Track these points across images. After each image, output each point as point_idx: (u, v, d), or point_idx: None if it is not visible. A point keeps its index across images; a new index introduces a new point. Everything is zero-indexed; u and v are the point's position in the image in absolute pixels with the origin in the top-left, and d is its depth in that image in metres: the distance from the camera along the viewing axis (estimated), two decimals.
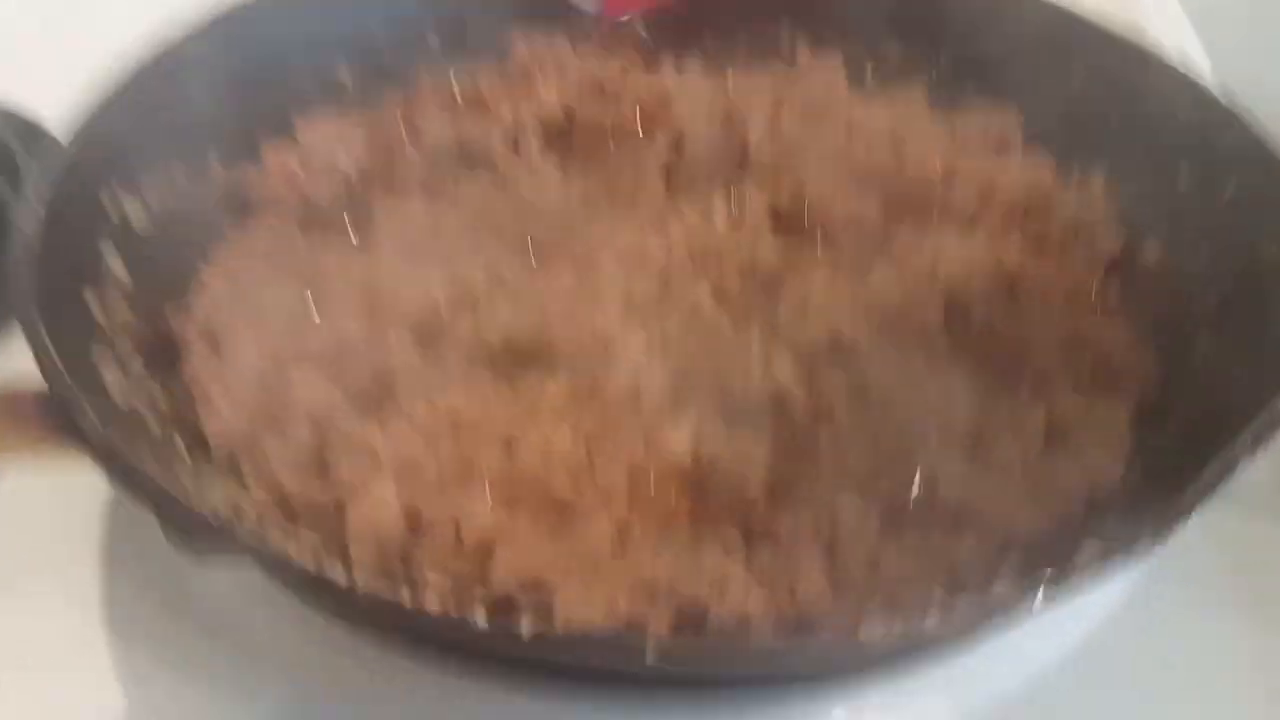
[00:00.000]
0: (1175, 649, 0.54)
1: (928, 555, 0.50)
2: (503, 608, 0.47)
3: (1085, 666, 0.52)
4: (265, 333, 0.57)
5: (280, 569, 0.40)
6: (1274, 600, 0.56)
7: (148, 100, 0.63)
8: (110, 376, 0.52)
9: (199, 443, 0.53)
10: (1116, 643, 0.53)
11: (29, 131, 0.81)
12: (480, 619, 0.38)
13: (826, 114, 0.77)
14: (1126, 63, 0.73)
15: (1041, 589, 0.39)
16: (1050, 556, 0.47)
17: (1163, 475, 0.51)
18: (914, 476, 0.52)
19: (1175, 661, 0.53)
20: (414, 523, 0.49)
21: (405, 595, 0.38)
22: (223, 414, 0.53)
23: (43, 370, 0.46)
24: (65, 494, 0.57)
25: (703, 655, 0.37)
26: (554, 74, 0.78)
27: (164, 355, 0.57)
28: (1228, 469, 0.43)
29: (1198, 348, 0.59)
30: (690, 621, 0.47)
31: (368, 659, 0.51)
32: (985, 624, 0.39)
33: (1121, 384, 0.58)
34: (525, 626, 0.37)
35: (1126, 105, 0.72)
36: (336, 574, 0.39)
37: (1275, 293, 0.56)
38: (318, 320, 0.58)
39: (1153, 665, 0.53)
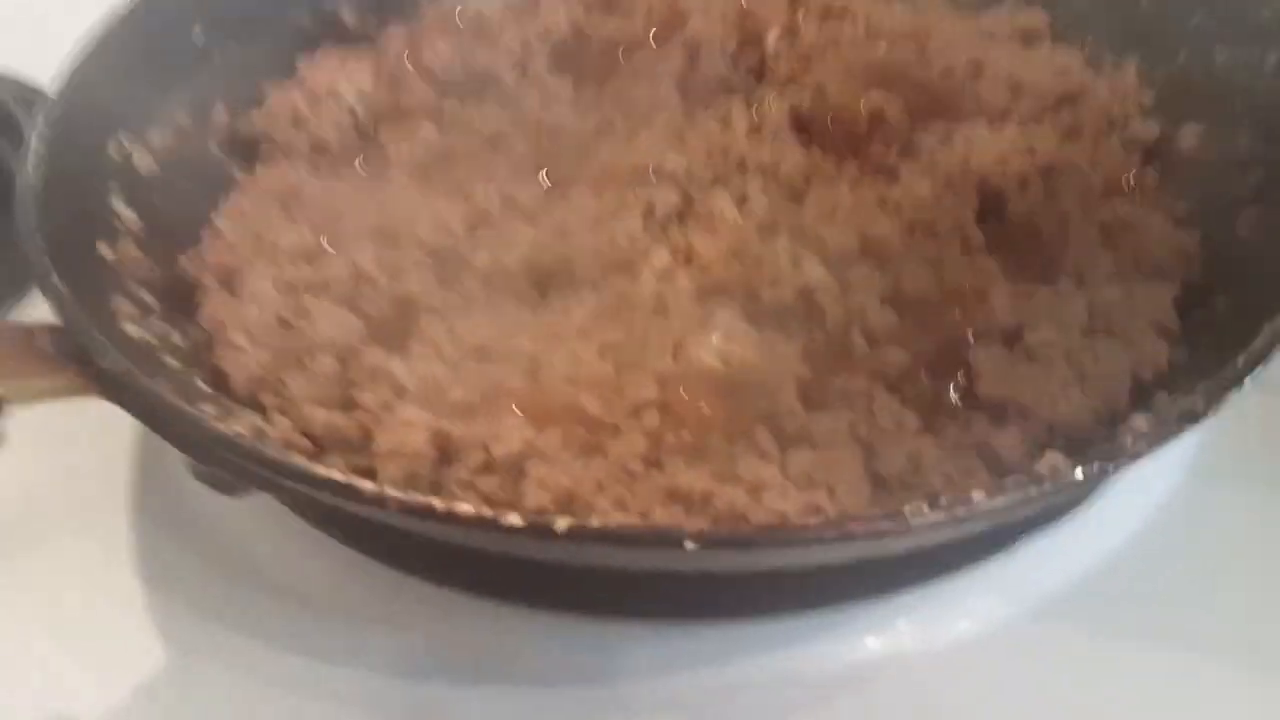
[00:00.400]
0: (1228, 532, 0.52)
1: (970, 450, 0.48)
2: None
3: (1139, 557, 0.51)
4: (281, 269, 0.56)
5: (311, 487, 0.39)
6: None
7: (142, 45, 0.62)
8: (128, 321, 0.51)
9: (220, 384, 0.52)
10: (1171, 529, 0.52)
11: (33, 97, 0.80)
12: (515, 518, 0.36)
13: (845, 15, 0.74)
14: None
15: (1096, 462, 0.37)
16: (1091, 450, 0.46)
17: (1211, 355, 0.50)
18: (953, 372, 0.51)
19: (1230, 543, 0.51)
20: (443, 446, 0.48)
21: (438, 502, 0.37)
22: (243, 351, 0.52)
23: (55, 306, 0.45)
24: (92, 444, 0.57)
25: (742, 540, 0.36)
26: None
27: (180, 299, 0.56)
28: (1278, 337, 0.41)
29: (1239, 228, 0.56)
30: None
31: (398, 590, 0.51)
32: (1038, 501, 0.37)
33: (1163, 269, 0.56)
34: (560, 522, 0.36)
35: None
36: (368, 486, 0.38)
37: None
38: (333, 254, 0.56)
39: (1208, 549, 0.51)
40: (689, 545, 0.35)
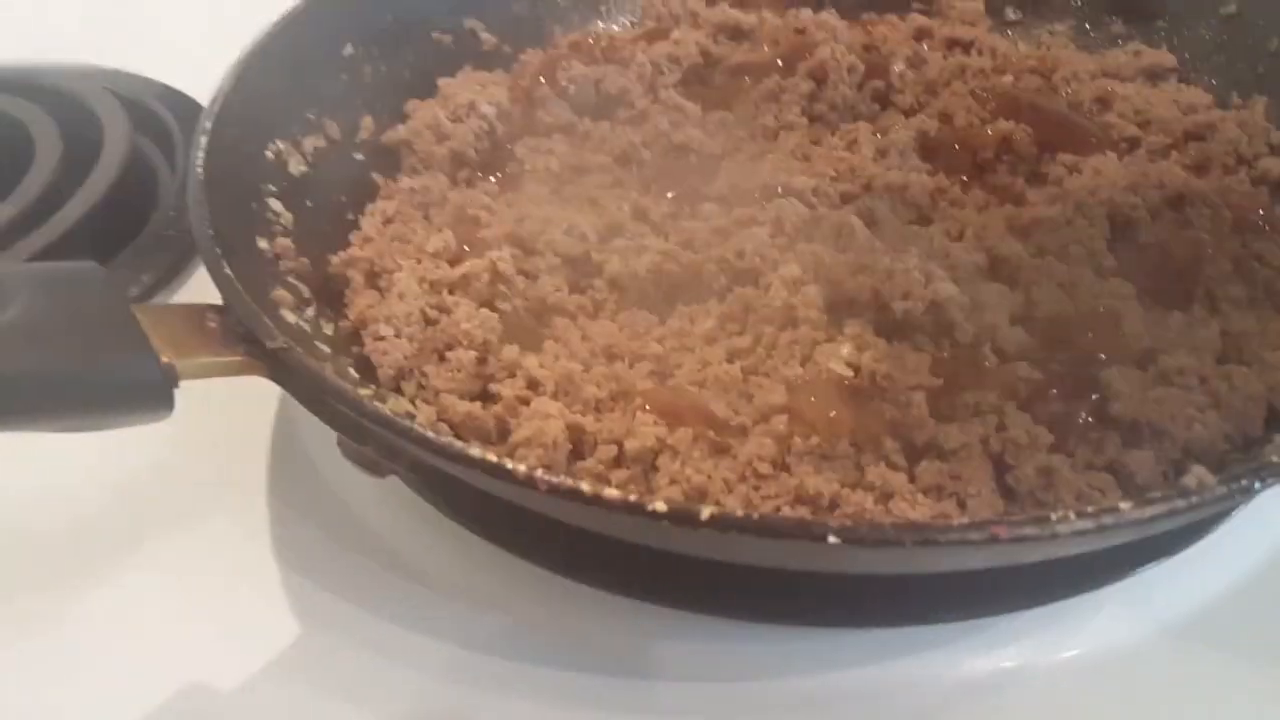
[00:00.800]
0: None
1: (1102, 469, 0.48)
2: None
3: (1265, 583, 0.50)
4: (425, 269, 0.58)
5: (466, 467, 0.40)
6: None
7: (297, 57, 0.65)
8: (286, 309, 0.54)
9: (367, 372, 0.55)
10: None
11: (185, 106, 0.85)
12: (660, 504, 0.37)
13: (970, 47, 0.75)
14: None
15: (1243, 478, 0.37)
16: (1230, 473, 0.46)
17: None
18: (1085, 393, 0.51)
19: None
20: (576, 439, 0.50)
21: (586, 486, 0.38)
22: (389, 342, 0.55)
23: (225, 292, 0.48)
24: (233, 426, 0.60)
25: (885, 539, 0.36)
26: (689, 21, 0.79)
27: (331, 294, 0.59)
28: None
29: None
30: None
31: (521, 578, 0.52)
32: (1184, 513, 0.37)
33: None
34: (704, 511, 0.37)
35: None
36: (520, 468, 0.40)
37: None
38: (473, 258, 0.58)
39: None
40: (832, 540, 0.36)
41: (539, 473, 0.39)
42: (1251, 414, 0.49)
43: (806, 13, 0.78)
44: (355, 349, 0.56)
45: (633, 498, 0.38)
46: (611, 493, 0.38)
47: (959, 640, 0.50)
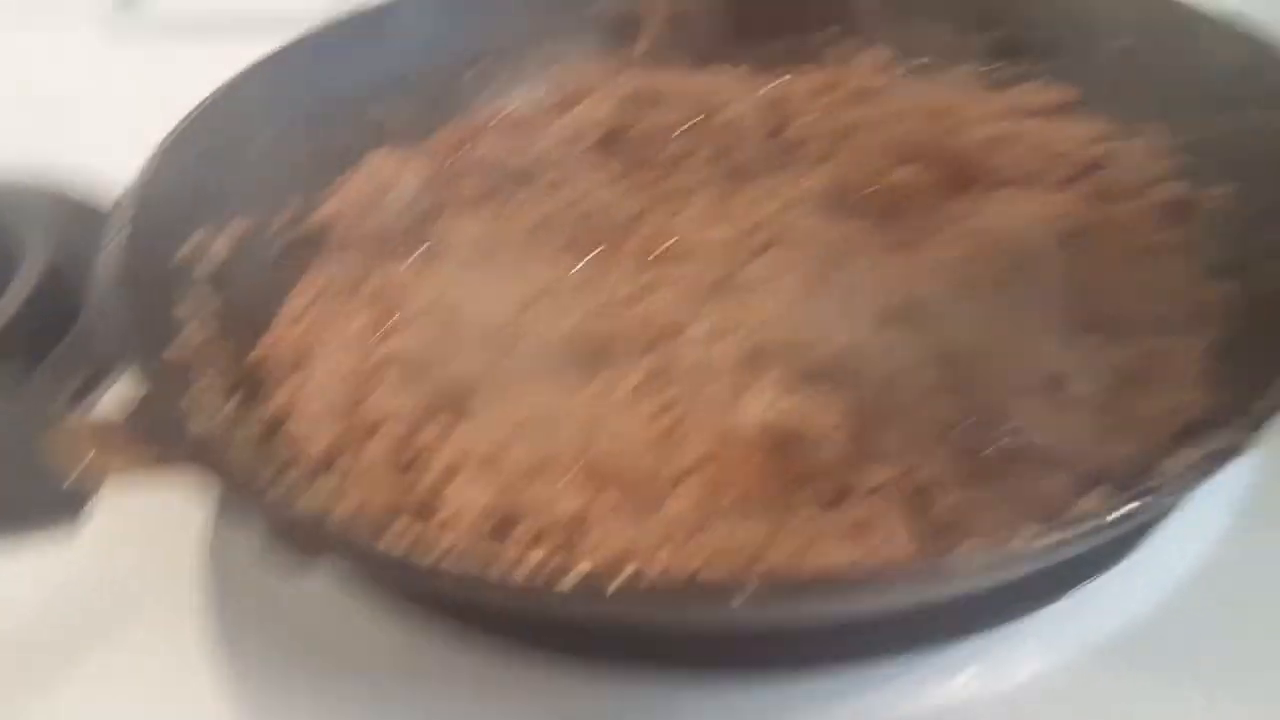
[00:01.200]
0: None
1: (1018, 499, 0.49)
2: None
3: (1194, 600, 0.51)
4: (348, 351, 0.59)
5: (371, 560, 0.41)
6: None
7: (214, 144, 0.66)
8: (207, 398, 0.54)
9: (291, 460, 0.55)
10: (1224, 572, 0.52)
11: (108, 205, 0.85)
12: (566, 583, 0.38)
13: (876, 98, 0.78)
14: (1170, 18, 0.73)
15: (1129, 502, 0.38)
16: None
17: (1250, 402, 0.50)
18: (997, 424, 0.52)
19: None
20: (501, 513, 0.50)
21: (492, 571, 0.39)
22: (312, 427, 0.55)
23: (143, 387, 0.48)
24: (162, 528, 0.59)
25: (791, 594, 0.37)
26: (599, 90, 0.81)
27: (254, 383, 0.59)
28: None
29: (1272, 280, 0.57)
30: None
31: (483, 660, 0.52)
32: (1077, 541, 0.38)
33: (1198, 320, 0.57)
34: (610, 584, 0.38)
35: (1174, 59, 0.72)
36: (430, 554, 0.40)
37: None
38: (396, 335, 0.59)
39: (1262, 590, 0.51)
40: (737, 601, 0.37)
41: (444, 563, 0.40)
42: (1156, 435, 0.50)
43: (711, 73, 0.80)
44: (279, 434, 0.56)
45: (537, 580, 0.39)
46: (516, 577, 0.39)
47: (897, 680, 0.50)
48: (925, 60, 0.84)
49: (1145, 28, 0.74)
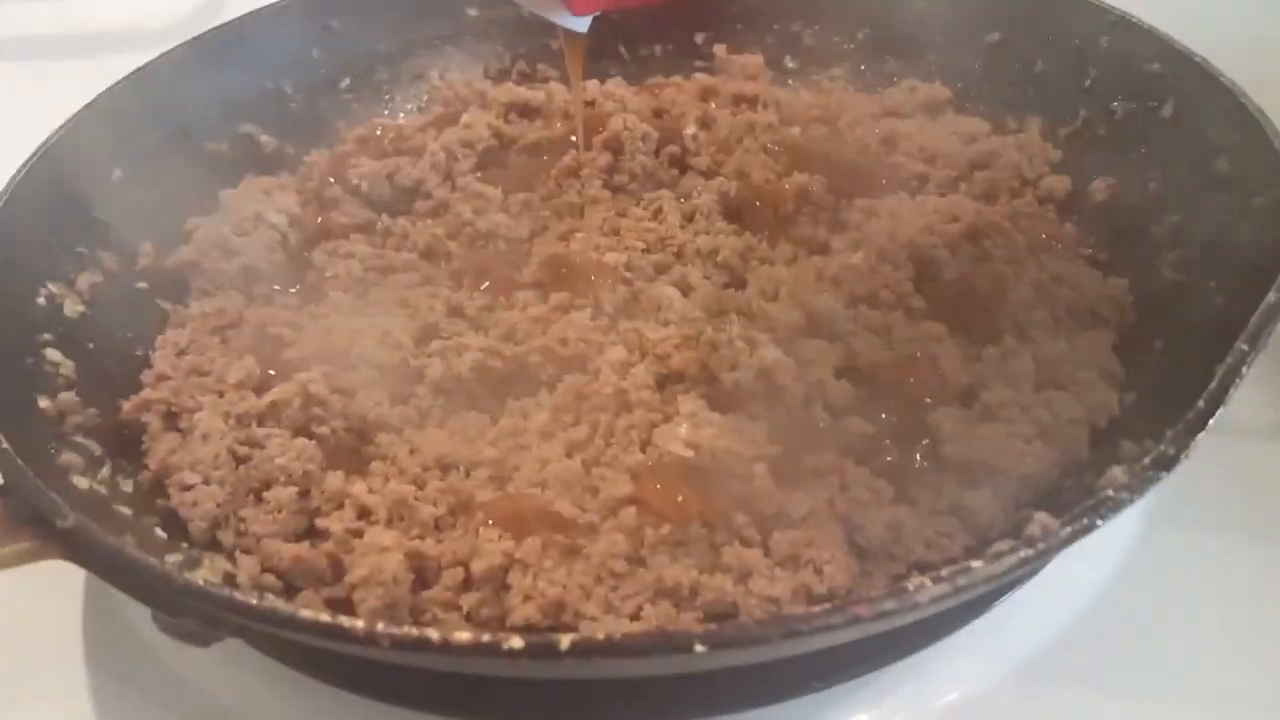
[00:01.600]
0: (1191, 576, 0.53)
1: (946, 513, 0.49)
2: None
3: (1108, 608, 0.52)
4: (227, 405, 0.54)
5: (296, 631, 0.37)
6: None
7: (58, 192, 0.60)
8: (76, 474, 0.49)
9: (177, 528, 0.50)
10: (1136, 578, 0.53)
11: None
12: (515, 642, 0.35)
13: (755, 102, 0.77)
14: (1040, 8, 0.74)
15: (1084, 518, 0.38)
16: (1066, 501, 0.47)
17: (1158, 398, 0.51)
18: (917, 439, 0.51)
19: (1192, 587, 0.52)
20: (419, 566, 0.47)
21: (434, 634, 0.36)
22: (197, 491, 0.50)
23: (2, 469, 0.43)
24: (41, 604, 0.54)
25: (752, 639, 0.35)
26: (477, 103, 0.77)
27: (126, 444, 0.54)
28: (1235, 373, 0.42)
29: (1164, 271, 0.58)
30: (721, 619, 0.46)
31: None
32: (1037, 560, 0.37)
33: (1098, 318, 0.58)
34: (563, 641, 0.35)
35: (1047, 48, 0.73)
36: (354, 624, 0.37)
37: (1232, 202, 0.56)
38: (281, 381, 0.55)
39: (1172, 594, 0.52)
40: (699, 649, 0.35)
41: (379, 627, 0.36)
42: (1076, 438, 0.51)
43: (594, 84, 0.77)
44: (161, 502, 0.51)
45: (486, 638, 0.36)
46: (461, 638, 0.36)
47: (833, 708, 0.49)
48: (796, 65, 0.85)
49: (1014, 19, 0.75)
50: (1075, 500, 0.46)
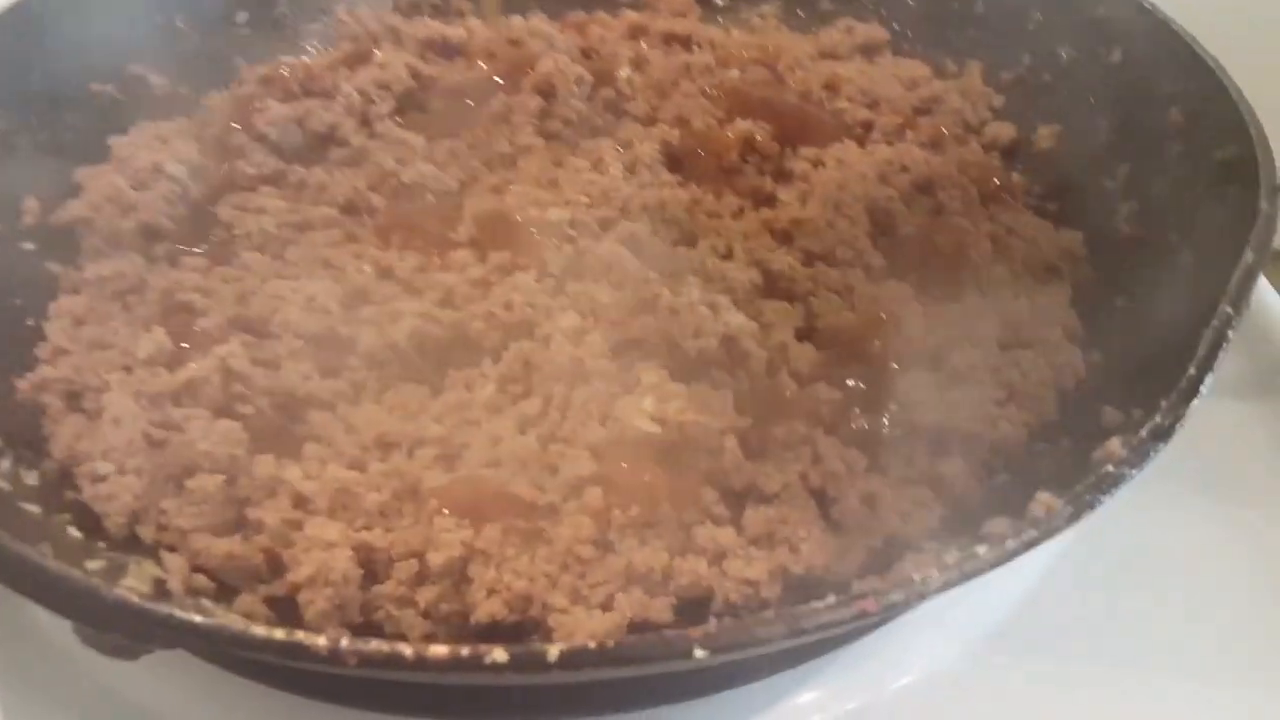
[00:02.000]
0: (1144, 535, 0.53)
1: (920, 483, 0.47)
2: (489, 636, 0.42)
3: (1057, 584, 0.51)
4: (138, 383, 0.49)
5: (250, 650, 0.33)
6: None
7: None
8: None
9: (92, 524, 0.45)
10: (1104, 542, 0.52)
11: None
12: (499, 654, 0.32)
13: (689, 42, 0.73)
14: None
15: (1090, 494, 0.37)
16: (1037, 469, 0.46)
17: (1126, 359, 0.50)
18: (885, 405, 0.49)
19: (1142, 555, 0.52)
20: (368, 561, 0.43)
21: (407, 649, 0.32)
22: (110, 483, 0.45)
23: None
24: None
25: (751, 640, 0.33)
26: (389, 40, 0.72)
27: (26, 430, 0.48)
28: (1222, 337, 0.41)
29: (1120, 224, 0.57)
30: (696, 604, 0.43)
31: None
32: (1042, 539, 0.36)
33: (1055, 271, 0.57)
34: (551, 650, 0.32)
35: None
36: (316, 641, 0.33)
37: (1190, 153, 0.55)
38: (196, 357, 0.50)
39: (1121, 564, 0.52)
40: (699, 654, 0.32)
41: (344, 644, 0.33)
42: (1045, 398, 0.50)
43: (517, 19, 0.72)
44: (71, 495, 0.46)
45: (466, 651, 0.33)
46: (439, 651, 0.33)
47: (796, 690, 0.48)
48: (725, 1, 0.81)
49: None
50: (1051, 468, 0.45)
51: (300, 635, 0.33)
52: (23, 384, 0.49)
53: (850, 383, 0.50)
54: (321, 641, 0.33)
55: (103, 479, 0.46)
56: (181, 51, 0.69)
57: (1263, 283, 0.59)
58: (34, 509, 0.43)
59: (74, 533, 0.43)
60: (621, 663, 0.33)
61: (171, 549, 0.44)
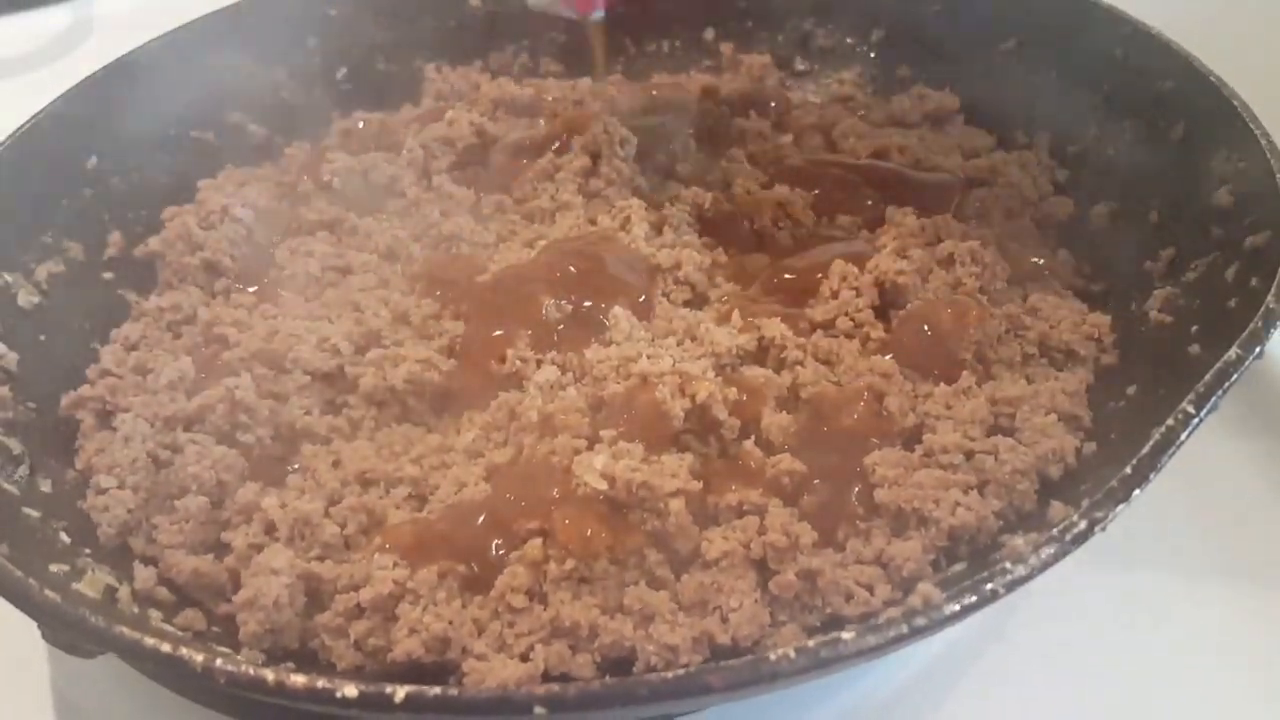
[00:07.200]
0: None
1: (871, 563, 0.45)
2: (410, 675, 0.43)
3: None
4: (157, 406, 0.53)
5: (136, 658, 0.36)
6: None
7: (25, 176, 0.60)
8: None
9: (86, 532, 0.49)
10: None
11: None
12: (348, 689, 0.34)
13: (754, 106, 0.74)
14: (1059, 14, 0.69)
15: (965, 596, 0.35)
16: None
17: (1113, 452, 0.47)
18: (851, 480, 0.48)
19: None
20: (313, 590, 0.46)
21: (270, 674, 0.34)
22: (109, 496, 0.50)
23: None
24: None
25: (593, 700, 0.33)
26: (468, 98, 0.76)
27: (61, 441, 0.54)
28: (1172, 439, 0.39)
29: (1151, 309, 0.54)
30: (616, 663, 0.44)
31: None
32: (910, 637, 0.34)
33: (1074, 356, 0.54)
34: (398, 692, 0.34)
35: (1063, 60, 0.68)
36: (192, 657, 0.36)
37: (1227, 238, 0.51)
38: (214, 382, 0.54)
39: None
40: (539, 711, 0.33)
41: (217, 662, 0.35)
42: (1021, 488, 0.47)
43: (585, 82, 0.75)
44: (81, 503, 0.51)
45: (321, 684, 0.34)
46: (296, 680, 0.34)
47: None
48: (805, 66, 0.81)
49: (1030, 26, 0.71)
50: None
51: (184, 651, 0.36)
52: (65, 400, 0.55)
53: (819, 455, 0.49)
54: (199, 658, 0.36)
55: (104, 491, 0.50)
56: (281, 103, 0.75)
57: None
58: (34, 514, 0.48)
59: (63, 538, 0.48)
60: (461, 711, 0.34)
61: (151, 562, 0.48)
